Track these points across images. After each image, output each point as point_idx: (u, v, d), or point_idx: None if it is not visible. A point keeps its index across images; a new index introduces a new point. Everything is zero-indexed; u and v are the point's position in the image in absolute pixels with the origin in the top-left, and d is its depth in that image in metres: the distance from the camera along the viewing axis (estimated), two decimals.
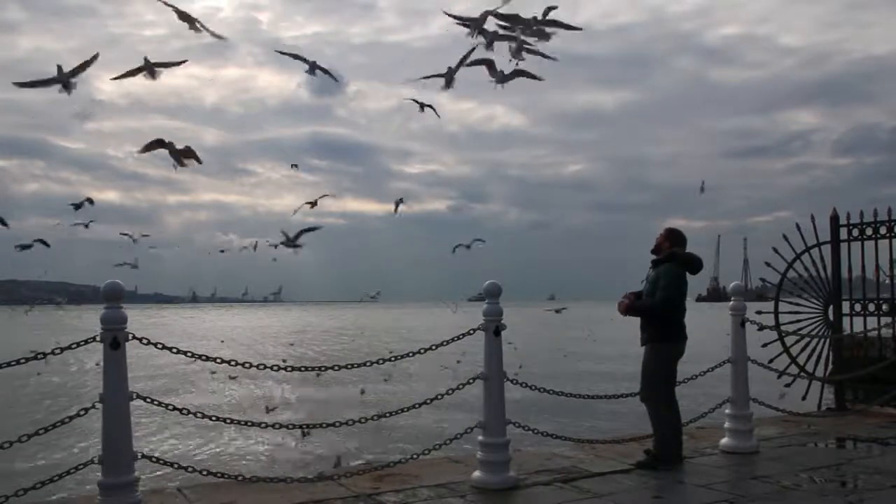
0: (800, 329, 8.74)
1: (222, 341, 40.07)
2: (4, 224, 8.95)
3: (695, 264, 5.93)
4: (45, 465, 10.78)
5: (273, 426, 5.51)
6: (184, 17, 5.95)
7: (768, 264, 9.01)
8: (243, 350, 34.29)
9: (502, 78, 6.94)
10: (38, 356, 4.36)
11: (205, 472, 4.85)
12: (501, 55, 6.92)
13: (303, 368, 5.59)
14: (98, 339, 4.12)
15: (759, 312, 8.24)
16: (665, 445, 5.72)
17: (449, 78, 7.00)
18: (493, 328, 5.16)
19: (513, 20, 6.69)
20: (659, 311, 5.73)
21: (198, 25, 6.03)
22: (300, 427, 6.03)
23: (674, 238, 5.94)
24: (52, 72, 5.96)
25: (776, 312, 8.91)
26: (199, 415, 4.92)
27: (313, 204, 10.14)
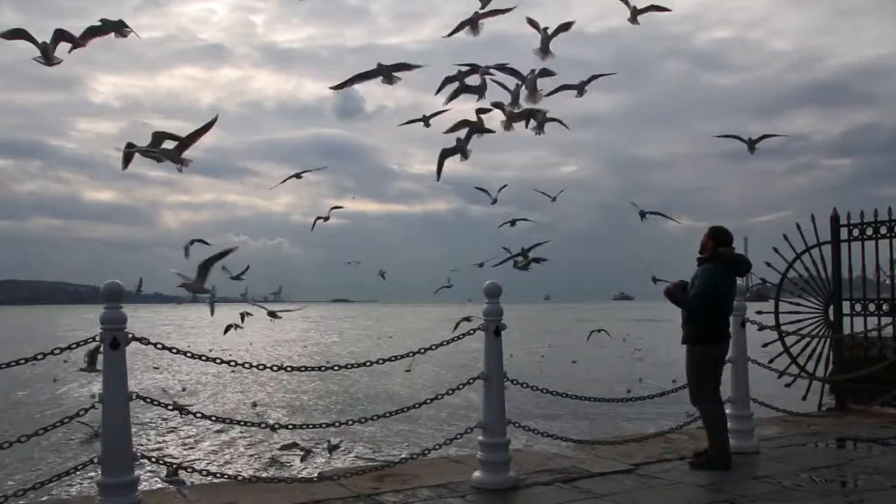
0: (800, 329, 8.73)
1: (251, 343, 39.53)
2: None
3: (740, 265, 5.89)
4: (46, 465, 10.78)
5: (273, 427, 5.51)
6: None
7: (769, 264, 9.00)
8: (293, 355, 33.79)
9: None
10: (38, 356, 4.35)
11: (204, 472, 4.85)
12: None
13: (303, 369, 5.57)
14: (98, 339, 4.11)
15: (759, 312, 8.24)
16: (719, 446, 5.69)
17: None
18: (493, 328, 5.16)
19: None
20: (686, 307, 5.72)
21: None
22: (300, 426, 6.02)
23: (717, 237, 5.86)
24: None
25: (776, 312, 8.90)
26: (198, 415, 4.92)
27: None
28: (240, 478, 4.83)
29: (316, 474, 5.74)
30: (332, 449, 11.48)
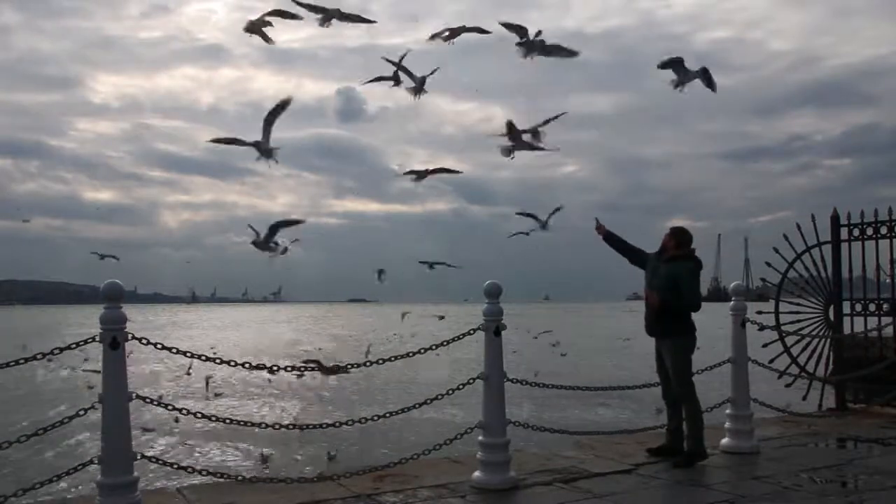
0: (800, 329, 8.73)
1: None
2: None
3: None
4: (45, 465, 10.77)
5: (273, 426, 5.50)
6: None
7: (769, 264, 9.00)
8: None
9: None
10: (38, 356, 4.35)
11: (204, 473, 4.84)
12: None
13: (302, 369, 5.58)
14: (97, 339, 4.11)
15: (759, 312, 8.23)
16: (701, 439, 5.73)
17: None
18: (493, 328, 5.16)
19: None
20: (688, 307, 5.77)
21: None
22: (299, 427, 6.01)
23: (683, 237, 5.89)
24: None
25: (777, 312, 8.89)
26: (198, 415, 4.91)
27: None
28: (240, 478, 4.82)
29: (316, 474, 5.74)
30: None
